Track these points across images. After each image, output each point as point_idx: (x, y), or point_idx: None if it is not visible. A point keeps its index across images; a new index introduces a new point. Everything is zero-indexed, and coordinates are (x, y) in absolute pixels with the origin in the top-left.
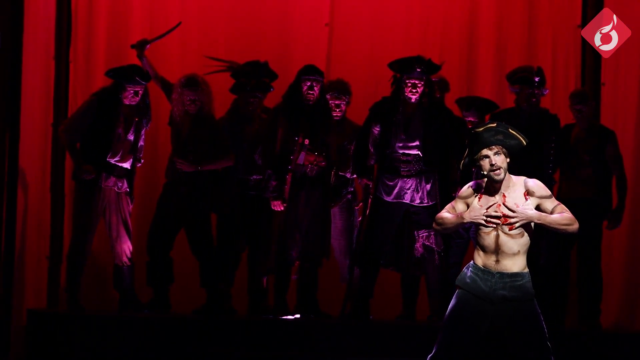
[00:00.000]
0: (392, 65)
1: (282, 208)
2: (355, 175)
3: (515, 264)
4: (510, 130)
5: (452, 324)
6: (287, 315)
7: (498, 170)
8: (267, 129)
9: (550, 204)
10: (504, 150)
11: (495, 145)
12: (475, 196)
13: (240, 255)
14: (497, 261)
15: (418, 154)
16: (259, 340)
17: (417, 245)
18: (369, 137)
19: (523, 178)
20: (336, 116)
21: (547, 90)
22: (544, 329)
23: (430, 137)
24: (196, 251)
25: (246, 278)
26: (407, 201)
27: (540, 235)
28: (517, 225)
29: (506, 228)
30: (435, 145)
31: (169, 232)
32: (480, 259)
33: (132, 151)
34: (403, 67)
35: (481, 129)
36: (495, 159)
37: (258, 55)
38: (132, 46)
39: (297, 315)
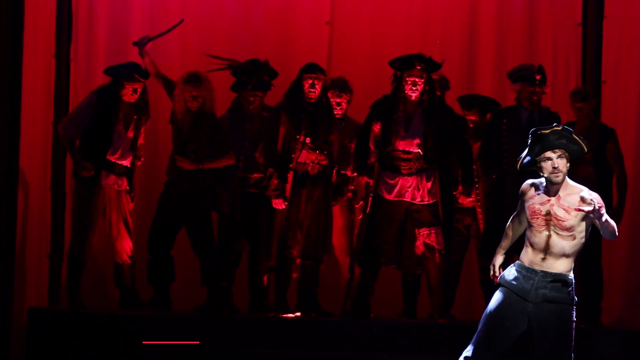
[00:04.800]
0: (393, 63)
1: (284, 206)
2: (356, 173)
3: (562, 265)
4: (573, 135)
5: (492, 322)
6: (287, 314)
7: (559, 173)
8: (269, 127)
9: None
10: (566, 154)
11: (559, 148)
12: (534, 193)
13: (241, 254)
14: (544, 259)
15: (419, 151)
16: (259, 338)
17: (418, 243)
18: (369, 135)
19: (583, 187)
20: (337, 114)
21: (548, 88)
22: (572, 338)
23: (430, 135)
24: (197, 249)
25: (247, 276)
26: (408, 199)
27: None
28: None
29: (558, 229)
30: (435, 143)
31: (170, 230)
32: (527, 256)
33: (131, 149)
34: (404, 65)
35: (547, 131)
36: (557, 162)
37: (259, 54)
38: (134, 43)
39: (298, 314)
